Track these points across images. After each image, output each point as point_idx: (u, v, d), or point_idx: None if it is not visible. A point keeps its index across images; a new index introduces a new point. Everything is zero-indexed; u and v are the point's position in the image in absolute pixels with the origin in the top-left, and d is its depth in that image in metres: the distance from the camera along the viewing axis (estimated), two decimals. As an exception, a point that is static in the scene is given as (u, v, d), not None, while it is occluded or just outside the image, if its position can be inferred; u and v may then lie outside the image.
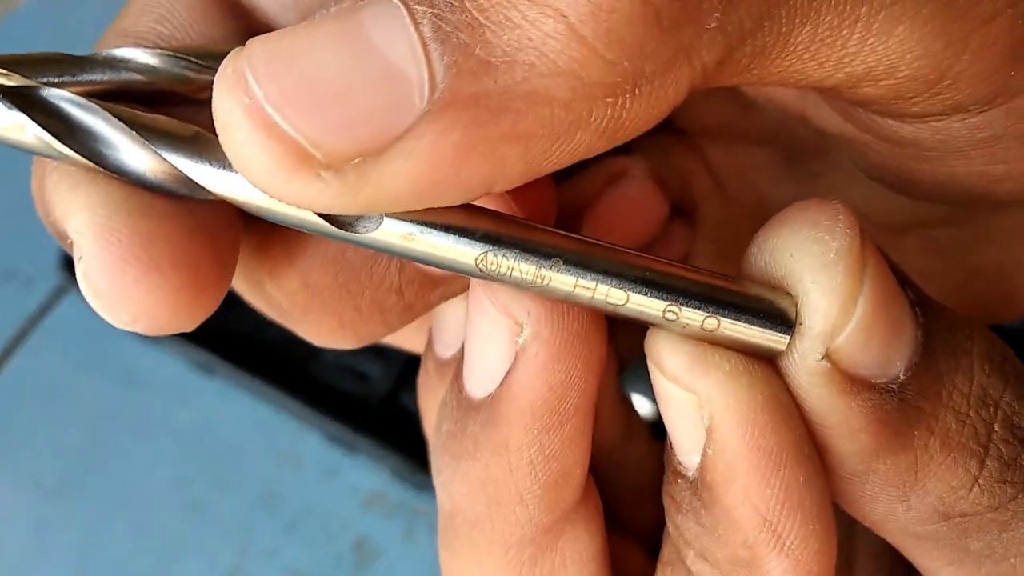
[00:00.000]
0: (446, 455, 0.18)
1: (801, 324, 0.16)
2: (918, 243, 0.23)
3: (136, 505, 0.49)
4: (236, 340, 0.54)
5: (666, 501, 0.18)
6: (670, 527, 0.18)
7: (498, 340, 0.17)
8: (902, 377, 0.16)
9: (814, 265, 0.16)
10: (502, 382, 0.17)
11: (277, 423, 0.52)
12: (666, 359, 0.16)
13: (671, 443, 0.17)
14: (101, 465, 0.50)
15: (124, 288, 0.15)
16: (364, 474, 0.50)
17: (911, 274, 0.17)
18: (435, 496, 0.53)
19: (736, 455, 0.16)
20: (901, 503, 0.16)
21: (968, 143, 0.18)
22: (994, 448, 0.16)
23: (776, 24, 0.15)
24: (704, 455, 0.16)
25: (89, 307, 0.16)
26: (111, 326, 0.18)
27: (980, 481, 0.16)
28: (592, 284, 0.15)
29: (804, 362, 0.16)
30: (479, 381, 0.17)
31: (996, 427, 0.16)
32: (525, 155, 0.14)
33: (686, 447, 0.17)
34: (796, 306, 0.16)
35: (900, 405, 0.16)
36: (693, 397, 0.16)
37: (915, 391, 0.16)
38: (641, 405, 0.40)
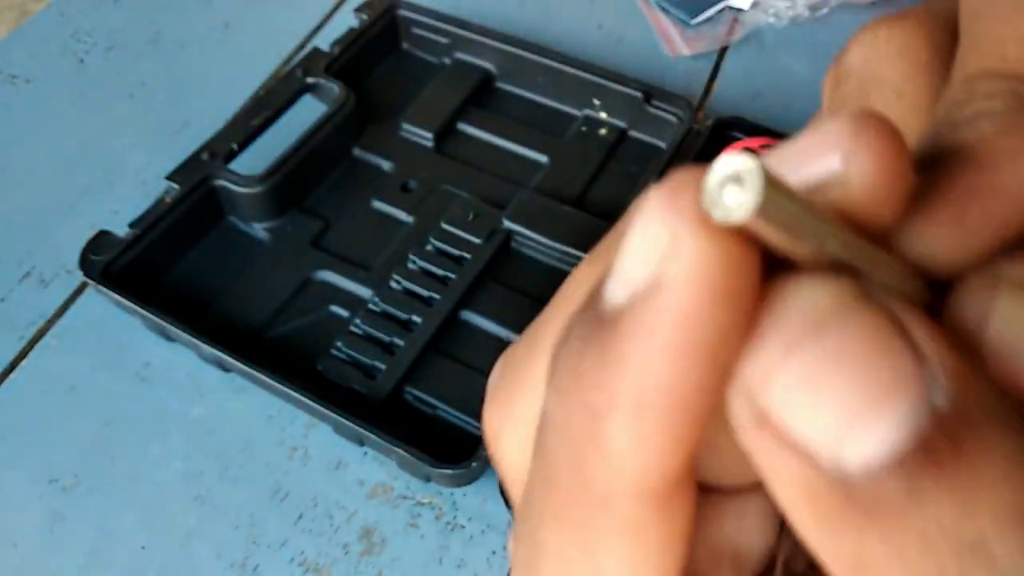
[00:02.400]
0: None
1: None
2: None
3: (148, 498, 0.50)
4: (248, 337, 0.55)
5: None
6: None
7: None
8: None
9: None
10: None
11: (286, 418, 0.53)
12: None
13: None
14: (114, 460, 0.51)
15: None
16: (370, 467, 0.51)
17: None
18: (438, 488, 0.54)
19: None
20: None
21: None
22: None
23: None
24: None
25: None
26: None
27: None
28: None
29: None
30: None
31: None
32: None
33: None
34: None
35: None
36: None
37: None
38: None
